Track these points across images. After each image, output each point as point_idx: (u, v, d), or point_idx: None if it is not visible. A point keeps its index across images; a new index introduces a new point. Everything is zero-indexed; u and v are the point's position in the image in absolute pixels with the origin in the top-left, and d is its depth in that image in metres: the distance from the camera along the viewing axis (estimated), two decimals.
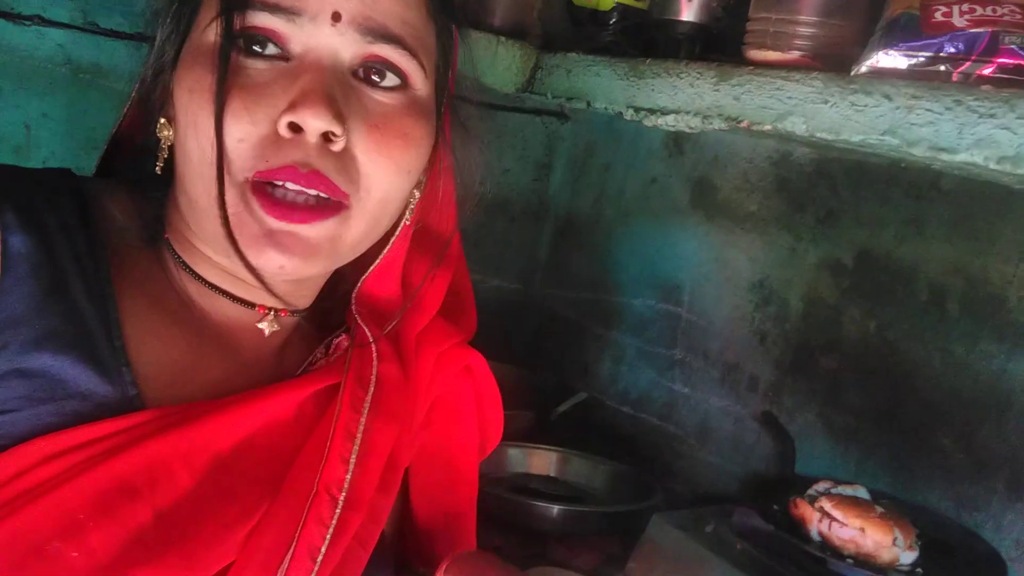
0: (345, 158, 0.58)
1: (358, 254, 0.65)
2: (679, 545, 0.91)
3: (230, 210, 0.57)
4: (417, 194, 0.67)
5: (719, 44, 0.98)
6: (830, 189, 1.13)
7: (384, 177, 0.60)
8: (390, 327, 0.69)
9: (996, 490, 0.95)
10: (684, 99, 0.91)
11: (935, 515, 0.97)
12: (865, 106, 0.73)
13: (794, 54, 0.82)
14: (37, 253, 0.57)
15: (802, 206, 1.16)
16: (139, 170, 0.66)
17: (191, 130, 0.57)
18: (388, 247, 0.68)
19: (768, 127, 0.81)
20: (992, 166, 0.65)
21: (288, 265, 0.58)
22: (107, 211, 0.63)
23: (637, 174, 1.42)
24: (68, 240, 0.58)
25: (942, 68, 0.71)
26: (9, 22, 1.06)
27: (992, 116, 0.64)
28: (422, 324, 0.72)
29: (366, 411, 0.64)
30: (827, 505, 0.88)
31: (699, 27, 0.98)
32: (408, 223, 0.68)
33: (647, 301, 1.39)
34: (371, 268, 0.69)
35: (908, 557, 0.86)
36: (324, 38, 0.58)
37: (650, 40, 1.03)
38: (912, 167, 1.03)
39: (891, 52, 0.72)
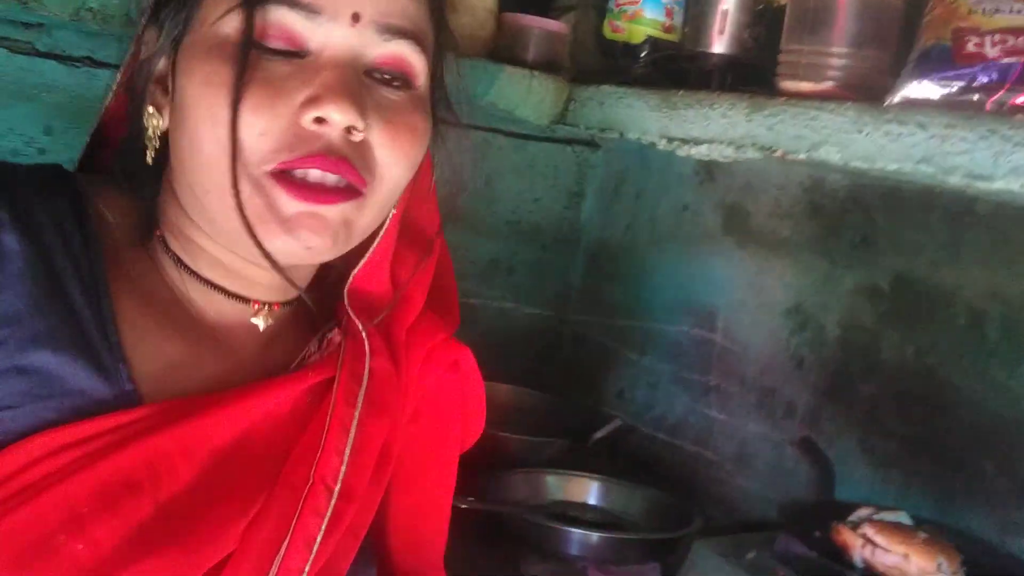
0: (363, 149, 0.61)
1: (360, 241, 0.67)
2: (721, 573, 0.91)
3: (248, 202, 0.59)
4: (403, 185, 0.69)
5: (750, 75, 1.00)
6: (864, 215, 1.13)
7: (396, 168, 0.63)
8: (378, 319, 0.70)
9: None
10: (717, 129, 0.92)
11: (979, 541, 0.96)
12: (899, 135, 0.74)
13: (827, 85, 0.83)
14: (31, 251, 0.58)
15: (836, 231, 1.17)
16: (125, 164, 0.67)
17: (205, 124, 0.58)
18: (378, 239, 0.70)
19: (802, 156, 0.82)
20: None
21: (313, 246, 0.60)
22: (98, 207, 0.64)
23: (669, 201, 1.43)
24: (61, 237, 0.59)
25: (975, 98, 0.72)
26: (60, 64, 1.10)
27: None
28: (411, 318, 0.73)
29: (360, 405, 0.65)
30: (870, 531, 0.88)
31: (730, 59, 1.00)
32: (395, 215, 0.70)
33: (681, 327, 1.39)
34: (362, 261, 0.70)
35: None
36: (343, 37, 0.60)
37: (681, 72, 1.05)
38: (947, 193, 1.03)
39: (924, 82, 0.73)
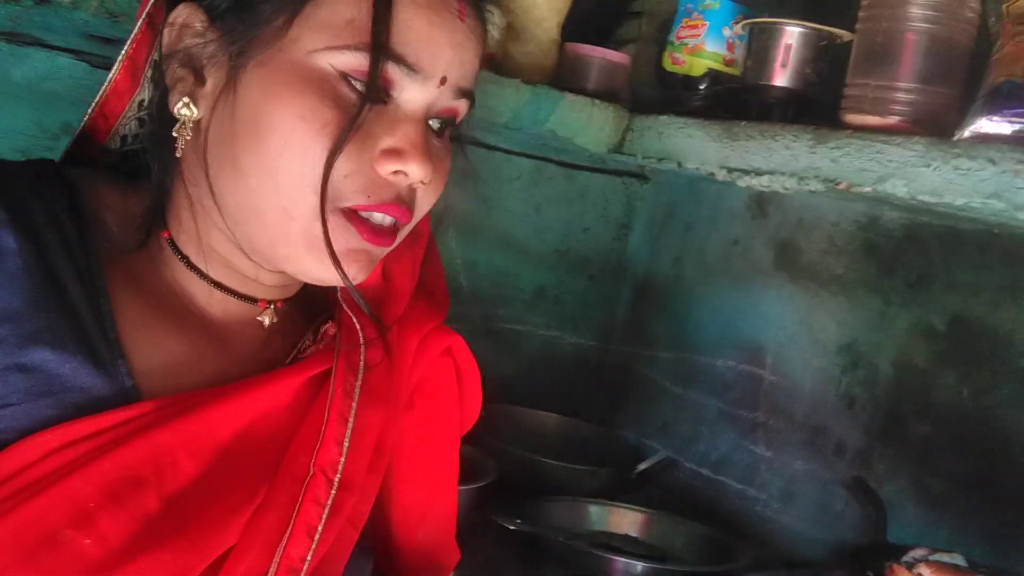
0: (415, 192, 0.64)
1: None
2: None
3: (312, 233, 0.60)
4: None
5: (811, 109, 1.00)
6: (921, 254, 1.13)
7: (428, 206, 0.67)
8: (364, 307, 0.70)
9: None
10: (779, 160, 0.93)
11: None
12: (969, 170, 0.74)
13: (892, 119, 0.84)
14: (28, 248, 0.57)
15: (891, 270, 1.16)
16: (129, 157, 0.67)
17: (294, 155, 0.59)
18: None
19: (868, 189, 0.82)
20: None
21: (357, 276, 0.63)
22: (94, 202, 0.64)
23: (719, 235, 1.43)
24: (58, 234, 0.59)
25: None
26: None
27: None
28: (401, 307, 0.74)
29: (357, 395, 0.66)
30: (926, 572, 0.86)
31: (792, 92, 1.01)
32: None
33: (728, 362, 1.38)
34: None
35: None
36: (428, 94, 0.62)
37: (741, 104, 1.06)
38: (1006, 233, 1.03)
39: (994, 118, 0.74)
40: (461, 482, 1.09)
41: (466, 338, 0.79)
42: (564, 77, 1.17)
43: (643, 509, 1.25)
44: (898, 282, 1.15)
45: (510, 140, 1.40)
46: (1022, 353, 1.02)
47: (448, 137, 0.68)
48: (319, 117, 0.59)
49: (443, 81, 0.62)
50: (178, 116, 0.62)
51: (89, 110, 0.68)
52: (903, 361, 1.14)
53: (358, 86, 0.60)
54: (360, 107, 0.59)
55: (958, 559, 0.91)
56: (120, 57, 0.66)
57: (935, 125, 0.81)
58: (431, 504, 0.79)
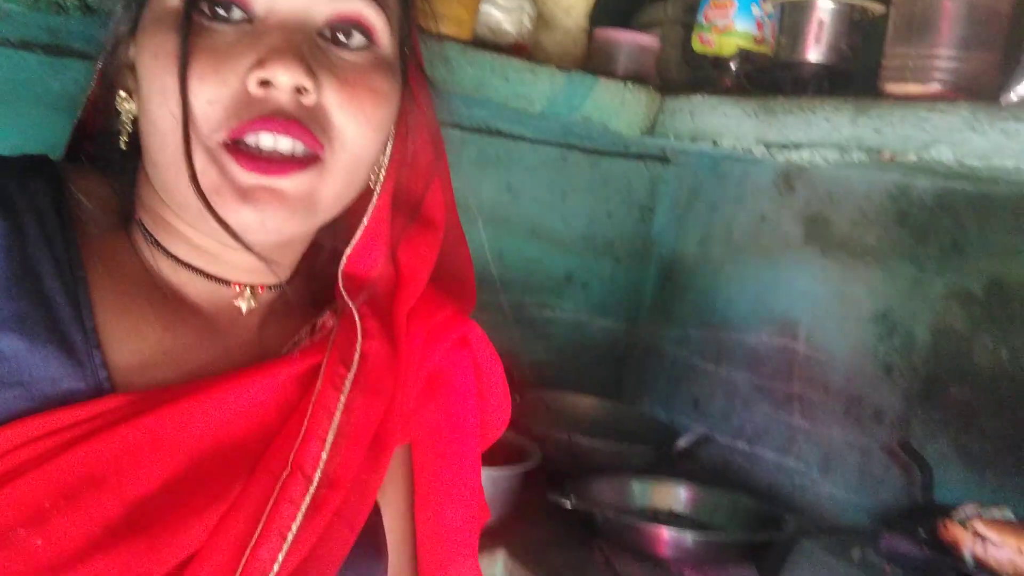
0: (317, 112, 0.58)
1: (334, 214, 0.64)
2: (829, 570, 0.92)
3: (203, 174, 0.57)
4: (384, 159, 0.66)
5: (846, 82, 1.02)
6: (954, 220, 1.15)
7: (357, 132, 0.60)
8: (362, 298, 0.67)
9: None
10: (819, 133, 0.95)
11: None
12: (1017, 132, 0.76)
13: (934, 86, 0.86)
14: (6, 236, 0.56)
15: (925, 238, 1.18)
16: (106, 150, 0.65)
17: (157, 96, 0.57)
18: (368, 216, 0.67)
19: (912, 157, 0.84)
20: None
21: (269, 220, 0.58)
22: (78, 194, 0.62)
23: (746, 213, 1.45)
24: (38, 223, 0.58)
25: None
26: None
27: None
28: (412, 298, 0.70)
29: (347, 389, 0.62)
30: (980, 527, 0.89)
31: (826, 67, 1.03)
32: (383, 190, 0.67)
33: (760, 337, 1.41)
34: (354, 241, 0.67)
35: None
36: (291, 1, 0.58)
37: (773, 81, 1.08)
38: None
39: None
40: (507, 465, 1.12)
41: (497, 326, 0.76)
42: (593, 63, 1.18)
43: (686, 482, 1.27)
44: (932, 249, 1.17)
45: (534, 129, 1.42)
46: None
47: (388, 61, 0.63)
48: (167, 49, 0.56)
49: None
50: (120, 110, 0.63)
51: (77, 115, 0.69)
52: (940, 327, 1.16)
53: (220, 11, 0.58)
54: (184, 20, 0.56)
55: (1008, 514, 0.94)
56: (98, 62, 0.66)
57: (977, 91, 0.82)
58: (446, 508, 0.75)
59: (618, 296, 1.62)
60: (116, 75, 0.63)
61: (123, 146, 0.63)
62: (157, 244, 0.64)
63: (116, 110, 0.63)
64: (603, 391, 1.57)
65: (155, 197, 0.63)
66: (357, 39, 0.61)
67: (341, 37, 0.60)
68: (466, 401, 0.75)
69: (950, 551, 0.90)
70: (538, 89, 1.10)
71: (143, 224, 0.64)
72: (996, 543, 0.87)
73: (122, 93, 0.63)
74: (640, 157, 1.59)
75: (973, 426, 1.11)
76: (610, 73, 1.17)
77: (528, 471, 1.15)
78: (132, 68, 0.62)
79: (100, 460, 0.55)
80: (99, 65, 0.66)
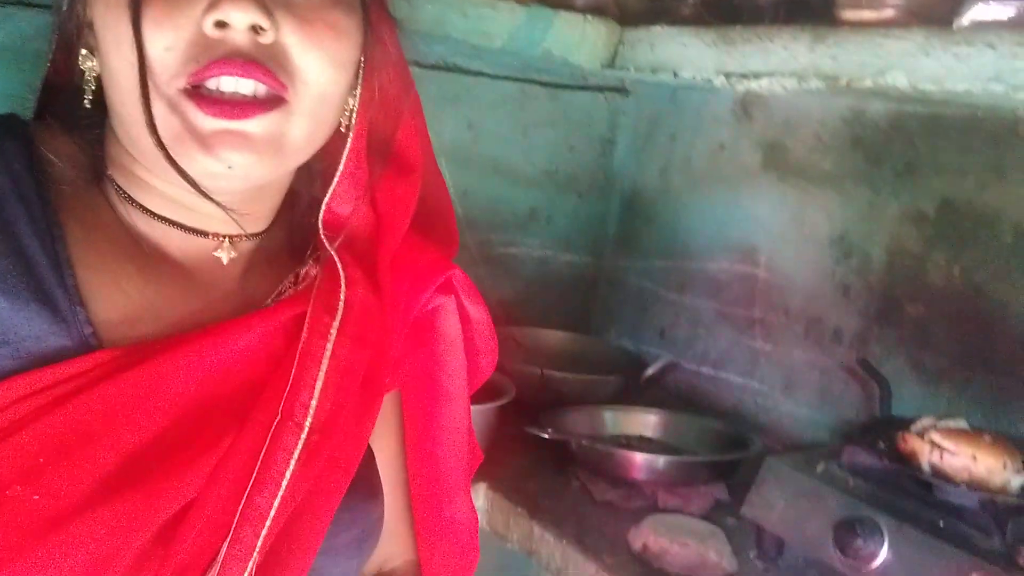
0: (276, 51, 0.57)
1: (305, 157, 0.64)
2: (795, 484, 0.96)
3: (164, 123, 0.56)
4: (352, 101, 0.66)
5: (802, 9, 1.03)
6: (907, 143, 1.18)
7: (320, 69, 0.59)
8: (337, 243, 0.67)
9: None
10: (778, 62, 0.96)
11: None
12: (968, 56, 0.78)
13: (888, 12, 0.87)
14: None
15: (879, 161, 1.21)
16: (73, 109, 0.64)
17: (113, 48, 0.56)
18: (343, 161, 0.67)
19: (868, 83, 0.86)
20: None
21: (236, 166, 0.57)
22: (50, 152, 0.62)
23: (704, 142, 1.47)
24: (12, 182, 0.58)
25: None
26: None
27: None
28: (394, 243, 0.70)
29: (333, 337, 0.63)
30: (936, 437, 0.93)
31: None
32: (357, 135, 0.67)
33: (721, 264, 1.44)
34: (331, 188, 0.67)
35: (1017, 481, 0.91)
36: None
37: (731, 10, 1.08)
38: (990, 116, 1.08)
39: (992, 3, 0.77)
40: (482, 402, 1.15)
41: (464, 265, 0.77)
42: None
43: (656, 409, 1.31)
44: (886, 172, 1.20)
45: (494, 64, 1.41)
46: (1008, 229, 1.08)
47: None
48: None
49: None
50: (83, 68, 0.62)
51: (42, 73, 0.67)
52: (895, 247, 1.19)
53: None
54: None
55: (962, 423, 0.98)
56: (53, 23, 0.65)
57: (930, 16, 0.84)
58: (439, 447, 0.77)
59: (582, 230, 1.63)
60: (75, 33, 0.62)
61: (87, 104, 0.62)
62: (130, 199, 0.63)
63: (80, 69, 0.62)
64: (571, 325, 1.59)
65: (124, 152, 0.62)
66: None
67: None
68: (453, 345, 0.76)
69: (909, 462, 0.94)
70: (498, 24, 1.09)
71: (114, 180, 0.64)
72: (952, 451, 0.92)
73: (83, 51, 0.62)
74: (599, 89, 1.58)
75: (928, 342, 1.16)
76: (569, 5, 1.16)
77: (503, 406, 1.17)
78: (91, 25, 0.60)
79: (92, 415, 0.55)
80: (55, 24, 0.64)
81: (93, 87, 0.62)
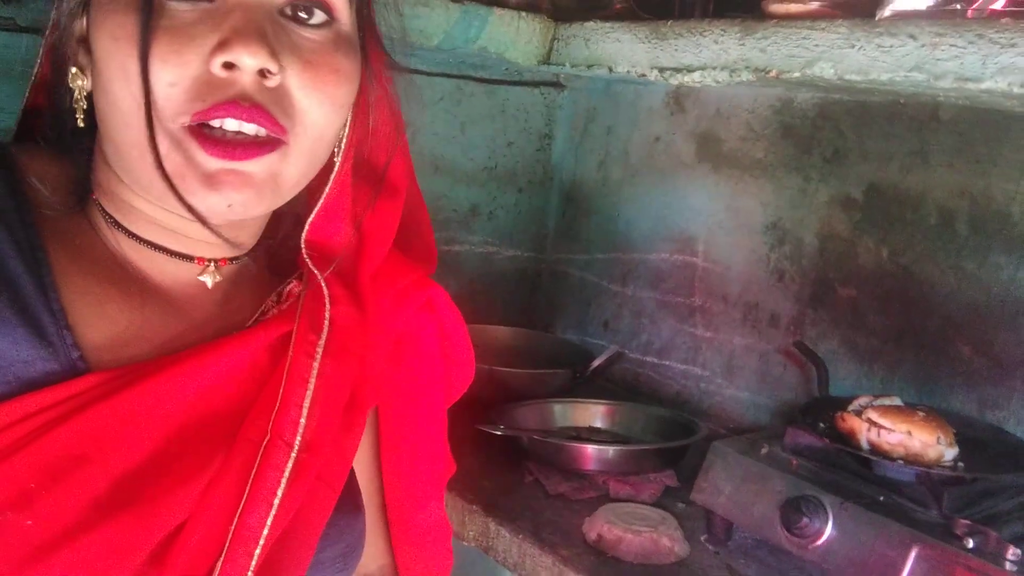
0: (281, 94, 0.58)
1: (298, 191, 0.65)
2: (741, 468, 0.99)
3: (167, 158, 0.57)
4: (344, 132, 0.67)
5: (731, 4, 1.05)
6: (834, 130, 1.21)
7: (320, 112, 0.60)
8: (332, 267, 0.68)
9: (1016, 388, 1.05)
10: (709, 56, 0.98)
11: (962, 417, 1.07)
12: (891, 47, 0.80)
13: (814, 5, 0.89)
14: None
15: (808, 148, 1.24)
16: (58, 129, 0.65)
17: (119, 78, 0.56)
18: (329, 185, 0.68)
19: (797, 75, 0.88)
20: (1016, 90, 0.73)
21: (236, 204, 0.58)
22: (32, 175, 0.62)
23: (640, 134, 1.49)
24: None
25: (958, 6, 0.79)
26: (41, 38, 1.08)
27: (1013, 46, 0.72)
28: (376, 263, 0.71)
29: (319, 356, 0.64)
30: (873, 415, 0.97)
31: None
32: (343, 161, 0.68)
33: (661, 255, 1.46)
34: (315, 210, 0.68)
35: (950, 454, 0.95)
36: None
37: (662, 5, 1.10)
38: (912, 102, 1.12)
39: None
40: None
41: None
42: None
43: (603, 401, 1.33)
44: (816, 159, 1.24)
45: (429, 61, 1.41)
46: (933, 211, 1.12)
47: (348, 37, 0.63)
48: (128, 31, 0.55)
49: None
50: (73, 87, 0.62)
51: (26, 92, 0.68)
52: (826, 232, 1.23)
53: None
54: (146, 1, 0.55)
55: (897, 401, 1.02)
56: (41, 45, 0.65)
57: (856, 7, 0.87)
58: (416, 462, 0.78)
59: (524, 225, 1.64)
60: (67, 52, 0.62)
61: (80, 124, 0.62)
62: (117, 224, 0.64)
63: (68, 88, 0.62)
64: (517, 320, 1.60)
65: (113, 177, 0.63)
66: (318, 16, 0.61)
67: (302, 15, 0.60)
68: (432, 362, 0.78)
69: (848, 440, 0.97)
70: (433, 22, 1.09)
71: (100, 204, 0.64)
72: (888, 428, 0.95)
73: (73, 70, 0.61)
74: (535, 84, 1.59)
75: (860, 323, 1.20)
76: (503, 3, 1.17)
77: (453, 405, 1.17)
78: (83, 43, 0.60)
79: (82, 439, 0.56)
80: (44, 40, 0.64)
81: (84, 107, 0.62)
